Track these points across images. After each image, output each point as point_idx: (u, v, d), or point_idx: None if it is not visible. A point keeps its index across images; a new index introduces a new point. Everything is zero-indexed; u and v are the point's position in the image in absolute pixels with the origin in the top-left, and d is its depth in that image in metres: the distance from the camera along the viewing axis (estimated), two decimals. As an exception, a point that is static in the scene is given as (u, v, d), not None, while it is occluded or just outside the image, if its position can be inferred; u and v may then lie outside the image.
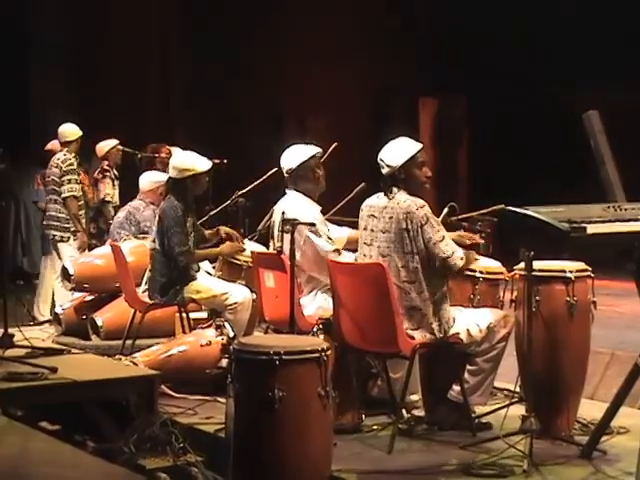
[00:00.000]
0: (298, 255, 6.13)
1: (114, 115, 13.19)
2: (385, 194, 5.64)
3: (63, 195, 9.53)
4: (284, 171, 6.50)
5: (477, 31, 14.14)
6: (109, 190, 10.32)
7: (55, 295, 9.61)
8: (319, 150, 6.55)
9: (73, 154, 9.66)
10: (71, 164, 9.58)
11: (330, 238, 6.30)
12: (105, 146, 10.41)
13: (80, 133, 9.74)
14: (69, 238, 9.55)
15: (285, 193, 6.52)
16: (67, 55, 14.01)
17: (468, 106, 15.36)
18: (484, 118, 14.27)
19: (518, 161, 13.26)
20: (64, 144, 9.70)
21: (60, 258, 9.43)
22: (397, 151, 5.64)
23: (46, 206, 9.83)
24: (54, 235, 9.57)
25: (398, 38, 15.26)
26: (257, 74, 14.19)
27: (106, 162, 10.38)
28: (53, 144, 10.11)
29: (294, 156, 6.47)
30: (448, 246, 5.52)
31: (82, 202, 9.69)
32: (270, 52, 14.29)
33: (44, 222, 9.82)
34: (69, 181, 9.55)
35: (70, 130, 9.75)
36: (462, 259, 5.55)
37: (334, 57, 14.46)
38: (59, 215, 9.56)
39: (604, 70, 12.31)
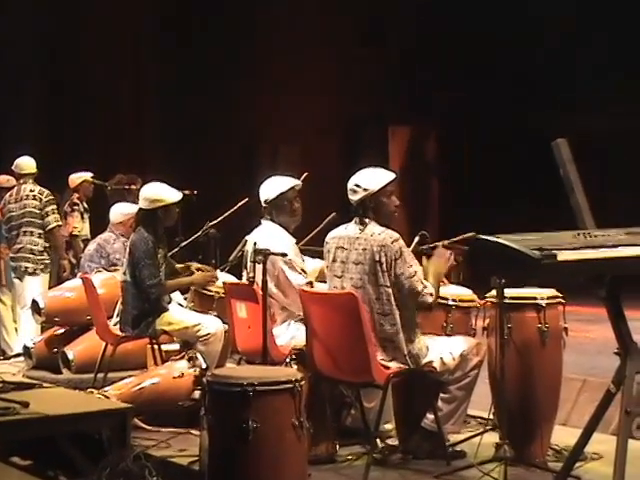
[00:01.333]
0: (272, 285, 6.13)
1: (83, 145, 13.18)
2: (357, 224, 5.64)
3: (50, 226, 9.49)
4: (262, 201, 6.48)
5: (447, 60, 14.25)
6: (77, 224, 10.31)
7: (21, 328, 9.54)
8: (298, 182, 6.55)
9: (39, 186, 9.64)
10: (49, 194, 9.59)
11: (304, 270, 6.30)
12: (77, 178, 10.39)
13: (35, 167, 9.73)
14: (41, 271, 9.50)
15: (260, 223, 6.52)
16: (35, 87, 13.99)
17: (438, 134, 15.47)
18: (455, 146, 14.37)
19: (489, 189, 13.34)
20: (23, 176, 9.65)
21: (23, 291, 9.39)
22: (374, 176, 5.65)
23: (15, 239, 9.70)
24: (26, 267, 9.50)
25: (368, 69, 15.36)
26: (228, 105, 14.21)
27: (76, 195, 10.35)
28: (3, 178, 10.06)
29: (273, 187, 6.47)
30: (419, 282, 5.52)
31: None
32: (240, 83, 14.33)
33: (12, 254, 9.70)
34: (53, 211, 9.56)
35: (29, 163, 9.74)
36: (432, 295, 5.56)
37: (305, 88, 14.54)
38: (33, 247, 9.51)
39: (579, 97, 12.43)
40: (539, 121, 12.49)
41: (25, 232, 9.57)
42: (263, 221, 6.50)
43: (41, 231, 9.54)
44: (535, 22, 13.90)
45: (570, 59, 13.24)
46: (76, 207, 10.29)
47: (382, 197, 5.63)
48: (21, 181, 9.68)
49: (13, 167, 9.73)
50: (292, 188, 6.48)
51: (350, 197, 5.65)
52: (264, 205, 6.48)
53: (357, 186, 5.62)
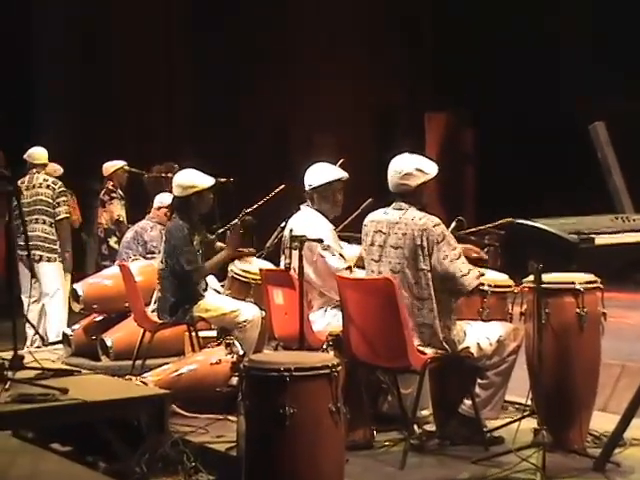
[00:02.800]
0: (310, 271, 6.15)
1: (115, 134, 13.22)
2: (397, 209, 5.62)
3: (59, 217, 9.53)
4: (306, 186, 6.46)
5: (484, 46, 14.15)
6: (120, 211, 10.33)
7: (49, 315, 9.61)
8: (345, 175, 6.50)
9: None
10: (61, 185, 9.64)
11: (342, 256, 6.29)
12: (111, 167, 10.42)
13: (47, 157, 9.80)
14: (55, 259, 9.55)
15: (299, 209, 6.50)
16: (68, 74, 14.06)
17: (475, 120, 15.38)
18: (492, 133, 14.28)
19: (526, 176, 13.25)
20: (36, 166, 9.68)
21: (36, 278, 9.43)
22: (430, 163, 5.65)
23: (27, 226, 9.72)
24: (41, 255, 9.55)
25: (403, 54, 15.29)
26: (261, 91, 14.20)
27: (111, 182, 10.39)
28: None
29: (320, 174, 6.45)
30: (464, 264, 5.50)
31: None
32: (273, 69, 14.30)
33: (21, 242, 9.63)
34: (64, 202, 9.61)
35: (42, 153, 9.78)
36: (478, 278, 5.54)
37: (337, 72, 14.48)
38: (46, 235, 9.56)
39: (619, 84, 12.30)
40: (573, 106, 12.40)
41: (37, 220, 9.60)
42: (302, 207, 6.49)
43: (52, 220, 9.58)
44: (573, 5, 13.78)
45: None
46: (114, 194, 10.32)
47: (429, 186, 5.65)
48: (34, 170, 9.71)
49: (26, 156, 9.75)
50: (339, 180, 6.45)
51: (403, 182, 5.59)
52: (308, 190, 6.45)
53: (419, 170, 5.59)
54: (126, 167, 10.42)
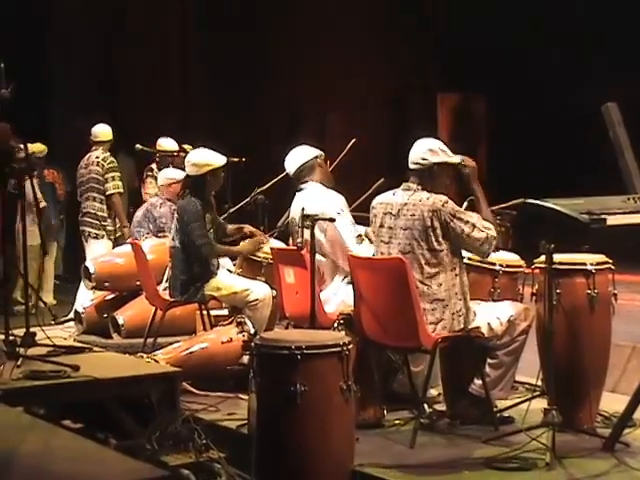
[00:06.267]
0: (322, 237, 6.23)
1: (130, 113, 13.24)
2: (405, 190, 5.62)
3: (108, 192, 9.64)
4: (291, 173, 6.70)
5: (495, 29, 14.10)
6: (150, 190, 10.39)
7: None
8: (320, 153, 6.72)
9: (109, 153, 9.80)
10: (112, 161, 9.74)
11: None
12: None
13: (111, 135, 9.88)
14: (103, 236, 9.62)
15: (300, 188, 6.56)
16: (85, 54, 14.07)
17: (487, 102, 15.35)
18: (503, 114, 14.25)
19: (538, 157, 13.23)
20: (96, 144, 9.82)
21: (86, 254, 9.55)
22: (453, 153, 5.66)
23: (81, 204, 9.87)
24: (89, 232, 9.65)
25: (415, 36, 15.26)
26: (274, 73, 14.19)
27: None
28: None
29: (298, 156, 6.70)
30: (482, 231, 5.50)
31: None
32: (286, 52, 14.29)
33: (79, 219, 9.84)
34: (113, 178, 9.68)
35: (103, 131, 9.88)
36: (495, 238, 5.54)
37: (351, 55, 14.47)
38: (96, 212, 9.65)
39: (623, 67, 12.25)
40: (587, 87, 12.35)
41: (88, 197, 9.73)
42: (305, 185, 6.55)
43: (103, 197, 9.68)
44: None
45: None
46: (149, 173, 10.38)
47: (449, 170, 5.65)
48: (93, 148, 9.82)
49: (91, 135, 9.85)
50: (316, 157, 6.69)
51: (425, 157, 5.59)
52: (294, 174, 6.67)
53: (442, 150, 5.61)
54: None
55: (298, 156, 6.71)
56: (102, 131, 9.90)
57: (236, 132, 12.92)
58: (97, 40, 14.05)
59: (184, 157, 7.81)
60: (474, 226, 5.49)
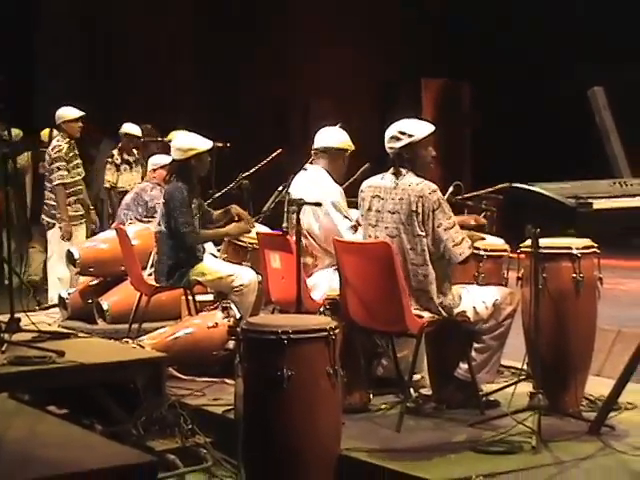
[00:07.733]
0: (316, 227, 6.25)
1: (117, 96, 13.20)
2: (394, 174, 5.61)
3: (53, 183, 9.42)
4: (318, 144, 6.58)
5: (481, 14, 14.12)
6: (109, 177, 10.38)
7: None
8: (351, 150, 6.68)
9: (67, 139, 9.48)
10: (59, 150, 9.42)
11: (348, 218, 6.40)
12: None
13: (72, 116, 9.51)
14: (54, 225, 9.52)
15: (303, 169, 6.51)
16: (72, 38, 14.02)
17: (471, 86, 15.37)
18: (488, 98, 14.26)
19: (523, 141, 13.25)
20: (57, 128, 9.65)
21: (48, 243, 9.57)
22: (418, 125, 5.62)
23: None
24: (47, 221, 9.58)
25: (401, 20, 15.25)
26: (260, 57, 14.14)
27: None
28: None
29: (337, 137, 6.61)
30: (458, 233, 5.49)
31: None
32: (272, 35, 14.25)
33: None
34: (58, 168, 9.40)
35: (61, 113, 9.56)
36: (470, 248, 5.54)
37: (337, 40, 14.44)
38: (48, 202, 9.56)
39: (610, 52, 12.27)
40: (572, 72, 12.37)
41: (45, 187, 9.62)
42: (309, 166, 6.51)
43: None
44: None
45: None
46: (109, 159, 10.36)
47: (420, 148, 5.60)
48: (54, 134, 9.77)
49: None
50: (348, 150, 6.64)
51: (390, 145, 5.59)
52: (320, 149, 6.57)
53: (402, 133, 5.56)
54: (122, 131, 10.41)
55: (336, 138, 6.63)
56: (59, 113, 9.55)
57: (220, 116, 12.89)
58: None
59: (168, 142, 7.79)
60: (454, 224, 5.48)
